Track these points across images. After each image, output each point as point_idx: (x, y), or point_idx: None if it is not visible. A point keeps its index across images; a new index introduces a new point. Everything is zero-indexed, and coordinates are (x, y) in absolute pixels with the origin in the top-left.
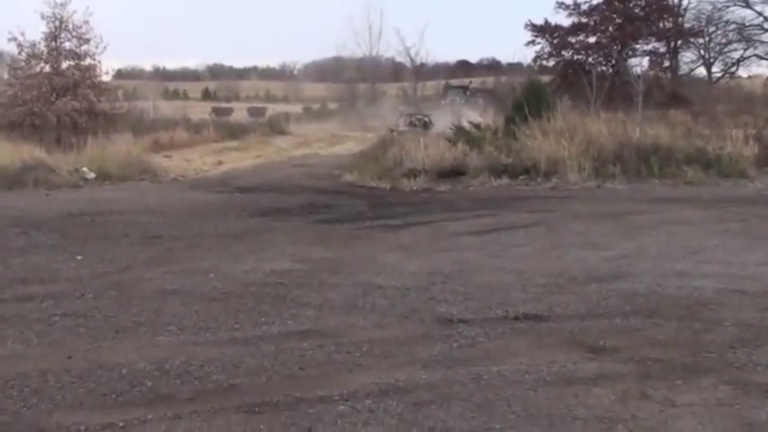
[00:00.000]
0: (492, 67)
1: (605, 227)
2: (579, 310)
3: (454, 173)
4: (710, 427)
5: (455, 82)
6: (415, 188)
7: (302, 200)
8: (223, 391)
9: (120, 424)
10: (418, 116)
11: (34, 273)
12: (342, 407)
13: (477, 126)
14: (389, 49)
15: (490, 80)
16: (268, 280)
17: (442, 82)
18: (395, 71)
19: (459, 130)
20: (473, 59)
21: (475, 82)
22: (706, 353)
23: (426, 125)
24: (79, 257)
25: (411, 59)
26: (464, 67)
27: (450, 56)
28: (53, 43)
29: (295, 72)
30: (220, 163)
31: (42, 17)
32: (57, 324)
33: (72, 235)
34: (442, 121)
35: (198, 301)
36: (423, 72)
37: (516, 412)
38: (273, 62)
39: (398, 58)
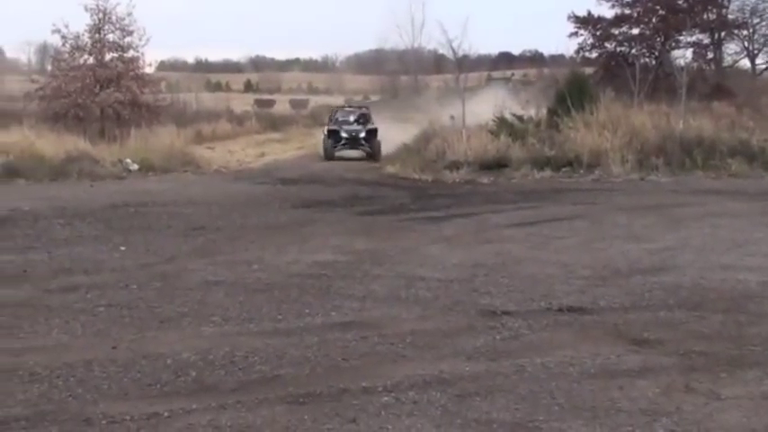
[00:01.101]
0: (534, 59)
1: (649, 219)
2: (623, 303)
3: (497, 165)
4: (756, 420)
5: (497, 74)
6: (457, 180)
7: (344, 191)
8: (267, 381)
9: (165, 414)
10: (347, 108)
11: (79, 263)
12: (386, 398)
13: (519, 118)
14: (432, 42)
15: (532, 72)
16: (311, 271)
17: (485, 74)
18: (437, 63)
19: (501, 121)
20: (515, 51)
21: (517, 74)
22: (751, 346)
23: (361, 122)
24: (123, 248)
25: (453, 51)
26: (506, 59)
27: (493, 48)
28: (97, 35)
29: (337, 64)
30: (263, 155)
31: (86, 9)
32: (101, 314)
33: (116, 226)
34: (485, 114)
35: (241, 291)
36: (465, 64)
37: (560, 404)
38: (316, 54)
39: (441, 51)
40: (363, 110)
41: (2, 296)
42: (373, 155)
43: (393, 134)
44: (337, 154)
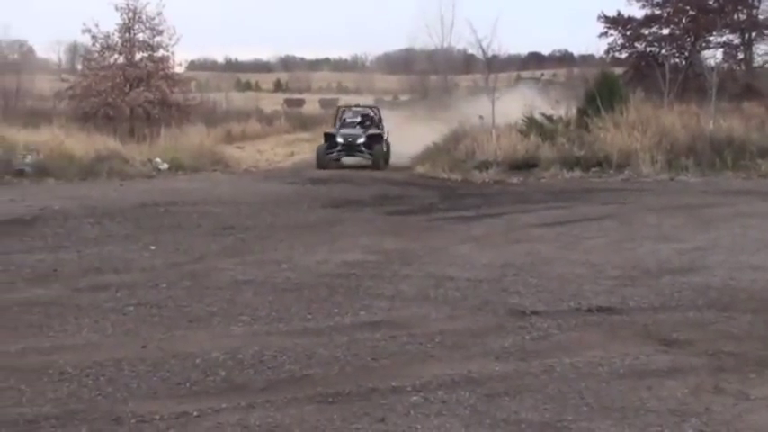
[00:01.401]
0: (564, 59)
1: (678, 219)
2: (652, 303)
3: (526, 165)
4: None
5: (526, 74)
6: (486, 180)
7: (374, 191)
8: (296, 381)
9: (195, 413)
10: (355, 108)
11: (108, 262)
12: (414, 398)
13: (549, 118)
14: (461, 41)
15: (562, 72)
16: (341, 271)
17: (514, 74)
18: (467, 63)
19: (531, 121)
20: (545, 51)
21: (547, 74)
22: None
23: (364, 126)
24: (152, 247)
25: (483, 51)
26: (536, 59)
27: (522, 48)
28: (127, 35)
29: (367, 64)
30: (292, 154)
31: (116, 9)
32: (131, 313)
33: (145, 225)
34: (514, 114)
35: (271, 291)
36: (495, 64)
37: (589, 404)
38: (345, 54)
39: (470, 50)
40: (372, 111)
41: (32, 295)
42: (376, 163)
43: (422, 133)
44: (334, 161)
